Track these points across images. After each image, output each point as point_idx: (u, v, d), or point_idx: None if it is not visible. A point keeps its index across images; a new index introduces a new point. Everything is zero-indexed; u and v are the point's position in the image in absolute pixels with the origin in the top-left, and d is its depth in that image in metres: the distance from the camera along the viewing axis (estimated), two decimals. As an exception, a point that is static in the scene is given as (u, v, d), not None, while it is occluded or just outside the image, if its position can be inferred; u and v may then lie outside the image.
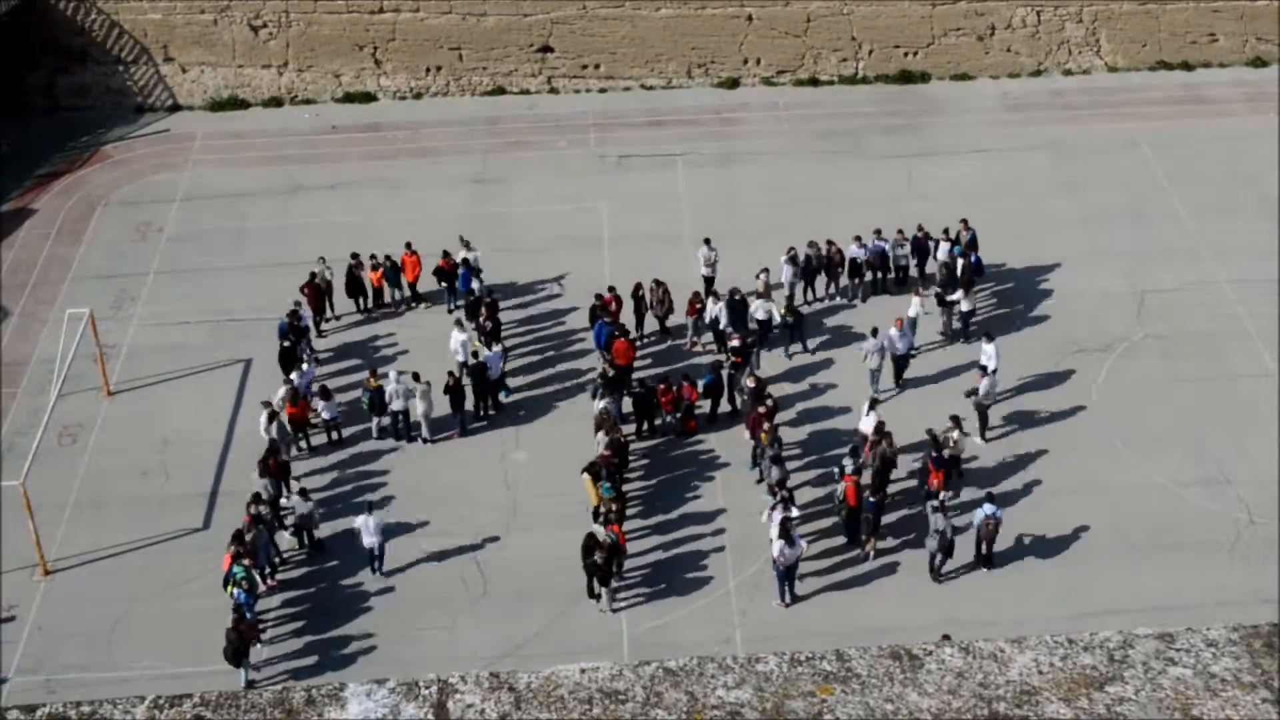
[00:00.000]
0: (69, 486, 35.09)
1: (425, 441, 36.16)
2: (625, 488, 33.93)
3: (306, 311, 38.68)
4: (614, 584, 31.60)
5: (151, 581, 32.58)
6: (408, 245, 40.09)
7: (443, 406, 35.97)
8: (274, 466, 33.69)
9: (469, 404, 36.42)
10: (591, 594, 31.65)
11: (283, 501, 33.84)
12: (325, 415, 35.94)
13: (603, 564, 30.90)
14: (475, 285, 39.38)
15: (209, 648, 30.01)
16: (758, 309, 37.74)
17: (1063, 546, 32.67)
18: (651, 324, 39.02)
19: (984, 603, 31.64)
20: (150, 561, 33.10)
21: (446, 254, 39.78)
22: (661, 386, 35.42)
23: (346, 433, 36.49)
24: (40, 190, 46.01)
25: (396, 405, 35.72)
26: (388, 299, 40.58)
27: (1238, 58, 50.48)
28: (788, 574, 31.31)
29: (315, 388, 36.21)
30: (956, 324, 38.48)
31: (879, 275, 40.27)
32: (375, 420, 36.26)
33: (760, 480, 34.08)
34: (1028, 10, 49.99)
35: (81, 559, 33.28)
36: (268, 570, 32.32)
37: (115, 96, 49.87)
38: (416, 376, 35.96)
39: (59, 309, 39.59)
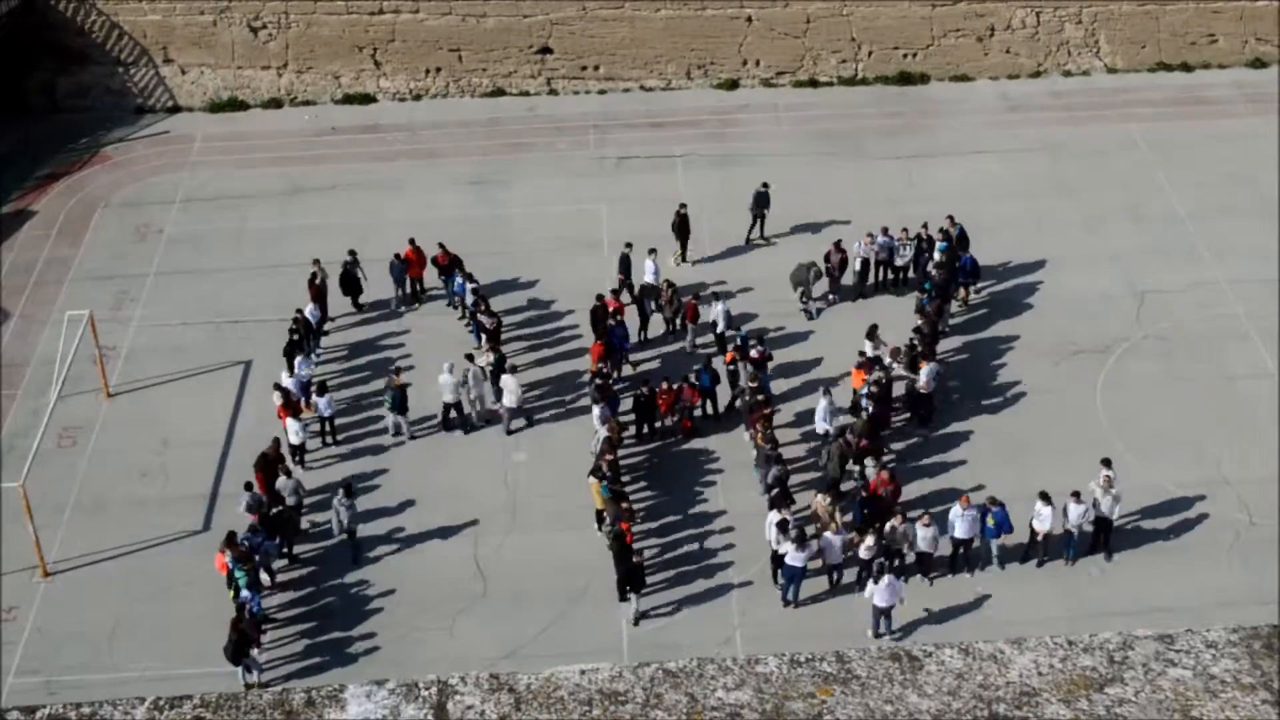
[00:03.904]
0: (69, 488, 35.10)
1: (468, 430, 36.43)
2: (626, 489, 33.93)
3: (314, 310, 38.65)
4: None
5: (151, 583, 32.57)
6: (411, 240, 40.12)
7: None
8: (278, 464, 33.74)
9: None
10: (623, 597, 31.61)
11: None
12: (324, 412, 35.90)
13: (638, 568, 30.89)
14: (468, 287, 39.26)
15: (209, 649, 30.00)
16: (712, 311, 37.94)
17: (1063, 547, 32.62)
18: (655, 326, 39.05)
19: (984, 603, 31.61)
20: (150, 563, 33.09)
21: (442, 246, 39.88)
22: (662, 388, 35.42)
23: (340, 433, 36.54)
24: (40, 191, 46.03)
25: (448, 397, 35.71)
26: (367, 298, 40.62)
27: (1237, 59, 50.51)
28: (797, 575, 31.37)
29: (314, 385, 36.23)
30: (942, 327, 38.48)
31: (883, 275, 40.30)
32: (393, 419, 36.16)
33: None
34: (1027, 11, 50.01)
35: (81, 561, 33.28)
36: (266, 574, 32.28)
37: (115, 98, 49.89)
38: (470, 357, 36.03)
39: (59, 310, 39.61)
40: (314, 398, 35.86)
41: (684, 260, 41.04)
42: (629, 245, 39.68)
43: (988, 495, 32.37)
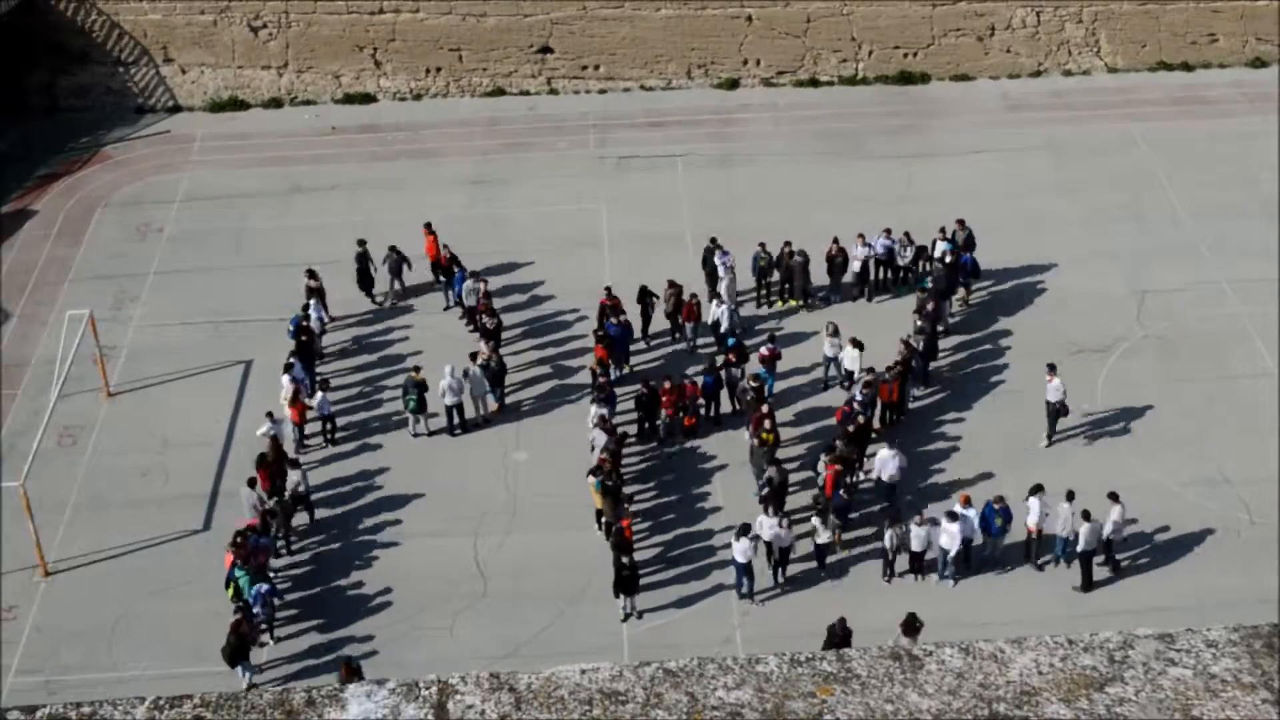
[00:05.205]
0: (69, 487, 35.10)
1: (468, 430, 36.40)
2: (626, 488, 33.90)
3: (316, 310, 38.64)
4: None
5: (151, 582, 32.59)
6: (427, 225, 40.53)
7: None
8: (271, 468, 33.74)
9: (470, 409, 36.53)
10: (618, 594, 31.62)
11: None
12: (324, 411, 35.84)
13: (630, 569, 30.92)
14: (470, 285, 39.23)
15: (209, 648, 30.00)
16: (715, 311, 38.13)
17: (1052, 547, 32.60)
18: (657, 326, 39.00)
19: (984, 603, 31.64)
20: (150, 562, 33.10)
21: (446, 247, 39.97)
22: (665, 386, 35.40)
23: (340, 432, 36.53)
24: (40, 191, 46.03)
25: (450, 400, 35.71)
26: (381, 289, 40.69)
27: (1237, 58, 50.50)
28: (744, 569, 31.60)
29: (316, 380, 36.24)
30: (940, 326, 38.45)
31: (883, 275, 40.29)
32: (414, 418, 36.20)
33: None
34: (1027, 11, 50.01)
35: (81, 560, 33.29)
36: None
37: (115, 97, 49.89)
38: (474, 356, 36.18)
39: (59, 310, 39.60)
40: (317, 394, 35.86)
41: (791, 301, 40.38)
42: (713, 239, 39.88)
43: (994, 494, 32.38)
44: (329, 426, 36.18)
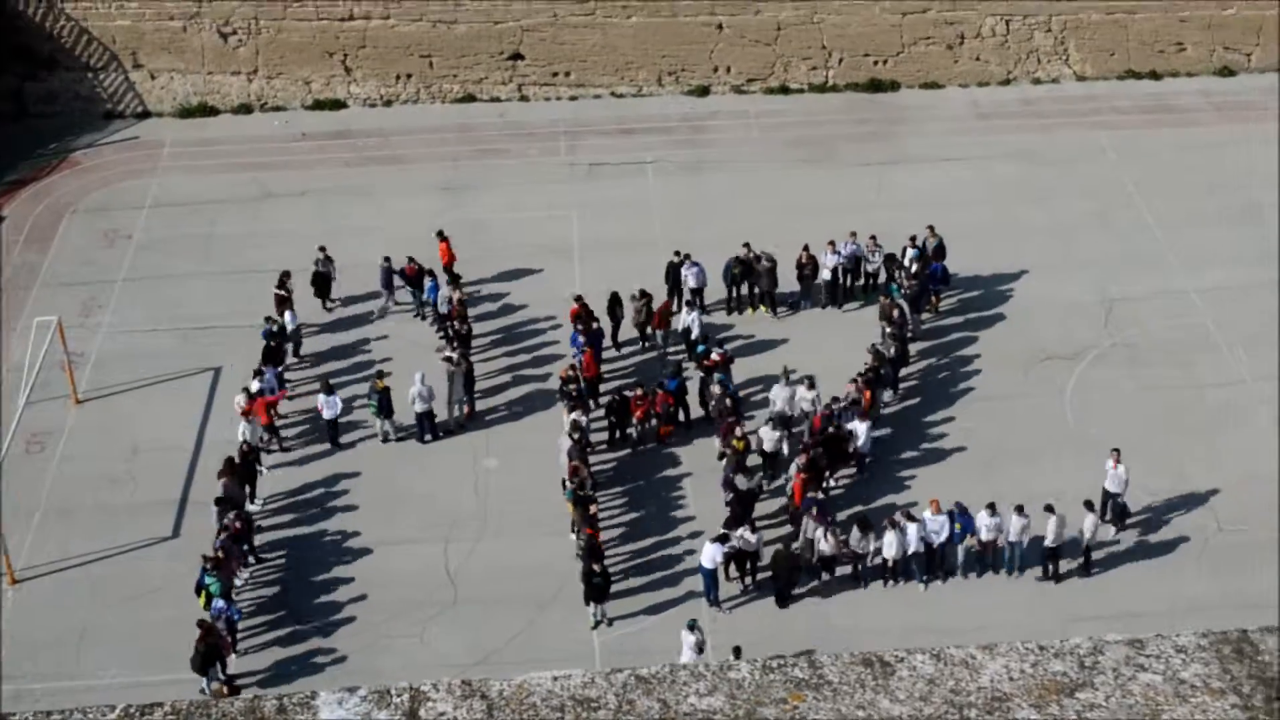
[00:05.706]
0: (37, 494, 34.88)
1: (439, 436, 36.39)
2: (595, 494, 33.89)
3: (292, 318, 38.51)
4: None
5: (120, 590, 32.42)
6: (440, 233, 40.60)
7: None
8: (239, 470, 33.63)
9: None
10: (589, 601, 31.56)
11: (249, 507, 33.78)
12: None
13: (600, 576, 30.90)
14: (444, 292, 39.17)
15: (178, 656, 29.85)
16: (685, 319, 38.17)
17: (1033, 554, 32.72)
18: (626, 334, 38.98)
19: (955, 610, 31.73)
20: (118, 570, 32.92)
21: (412, 260, 39.83)
22: (636, 395, 35.38)
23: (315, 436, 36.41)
24: (8, 197, 45.74)
25: (420, 407, 35.60)
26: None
27: (1205, 67, 50.76)
28: (710, 575, 31.71)
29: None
30: (910, 333, 38.51)
31: (849, 281, 40.38)
32: (381, 423, 36.08)
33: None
34: (997, 19, 50.19)
35: (49, 568, 33.09)
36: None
37: (84, 103, 49.62)
38: (448, 360, 36.10)
39: (27, 316, 39.37)
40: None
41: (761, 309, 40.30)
42: (677, 253, 39.75)
43: (955, 501, 32.56)
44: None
